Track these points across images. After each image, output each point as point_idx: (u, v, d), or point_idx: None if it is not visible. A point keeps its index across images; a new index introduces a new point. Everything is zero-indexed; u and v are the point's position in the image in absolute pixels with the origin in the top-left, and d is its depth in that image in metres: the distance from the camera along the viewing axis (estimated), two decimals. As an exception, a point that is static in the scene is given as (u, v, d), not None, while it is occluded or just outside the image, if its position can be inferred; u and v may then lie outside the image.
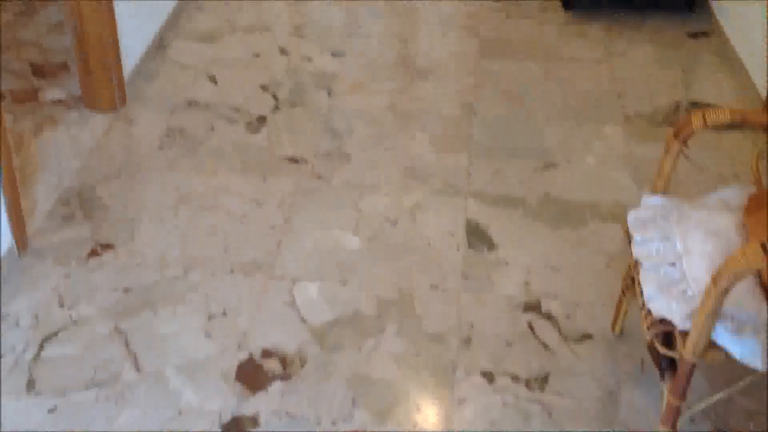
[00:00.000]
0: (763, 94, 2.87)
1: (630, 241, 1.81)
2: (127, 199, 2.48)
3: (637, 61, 3.28)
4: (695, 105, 2.99)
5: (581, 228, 2.41)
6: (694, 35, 3.47)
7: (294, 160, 2.68)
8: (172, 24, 3.42)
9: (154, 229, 2.37)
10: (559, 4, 3.71)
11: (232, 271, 2.23)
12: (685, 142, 1.79)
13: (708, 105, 2.99)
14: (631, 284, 1.94)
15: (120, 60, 2.85)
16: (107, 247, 2.30)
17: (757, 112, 1.76)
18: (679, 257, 1.68)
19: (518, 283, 2.22)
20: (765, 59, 2.87)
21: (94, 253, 2.28)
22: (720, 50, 3.33)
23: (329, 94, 3.05)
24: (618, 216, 2.45)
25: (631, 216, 1.85)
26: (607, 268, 2.27)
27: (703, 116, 1.75)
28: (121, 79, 2.87)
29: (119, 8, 2.85)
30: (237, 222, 2.41)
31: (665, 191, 1.86)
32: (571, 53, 3.34)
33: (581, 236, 2.38)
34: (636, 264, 1.76)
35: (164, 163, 2.64)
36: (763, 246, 1.39)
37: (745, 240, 1.67)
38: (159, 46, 3.28)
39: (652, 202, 1.85)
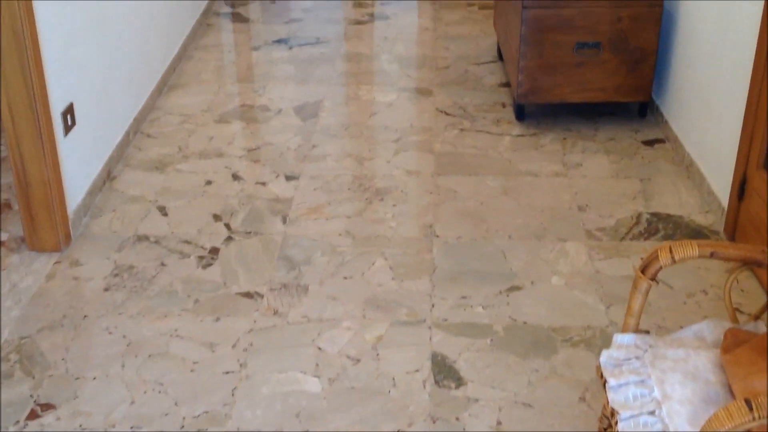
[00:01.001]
0: (724, 202, 2.85)
1: (604, 385, 1.71)
2: (71, 352, 2.33)
3: (594, 173, 3.26)
4: (656, 216, 2.96)
5: (552, 357, 2.31)
6: (650, 143, 3.47)
7: (249, 295, 2.57)
8: (121, 153, 3.34)
9: (99, 385, 2.21)
10: (512, 115, 3.71)
11: (182, 427, 2.08)
12: (653, 279, 1.72)
13: (669, 216, 2.96)
14: (608, 427, 1.83)
15: (64, 199, 2.74)
16: (48, 407, 2.14)
17: (726, 244, 1.70)
18: (657, 404, 1.58)
19: (490, 424, 2.09)
20: (723, 165, 2.86)
21: (33, 415, 2.11)
22: (676, 157, 3.33)
23: (284, 220, 2.96)
24: (589, 341, 2.35)
25: (604, 356, 1.75)
26: (581, 401, 2.16)
27: (671, 252, 1.69)
28: (65, 217, 2.75)
29: (64, 144, 2.76)
30: (188, 371, 2.27)
31: (636, 329, 1.77)
32: (527, 167, 3.31)
33: (553, 366, 2.28)
34: (612, 412, 1.66)
35: (110, 307, 2.51)
36: (747, 402, 1.30)
37: (725, 382, 1.58)
38: (107, 177, 3.18)
39: (624, 341, 1.76)
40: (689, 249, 1.68)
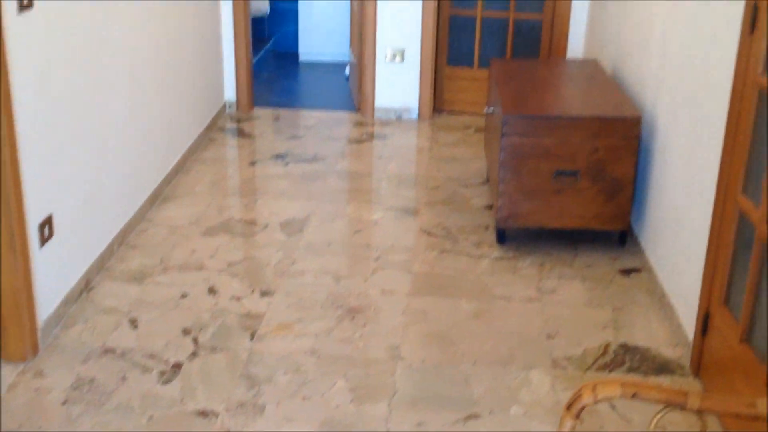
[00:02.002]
0: (690, 337, 2.82)
1: None
2: (17, 464, 2.33)
3: (568, 300, 3.26)
4: (624, 347, 2.93)
5: (500, 491, 2.26)
6: (626, 272, 3.48)
7: (204, 414, 2.56)
8: (102, 264, 3.41)
9: (37, 501, 2.20)
10: (494, 238, 3.75)
11: None
12: (578, 417, 1.70)
13: (637, 347, 2.93)
14: None
15: (34, 310, 2.79)
16: None
17: (651, 386, 1.69)
18: None
19: None
20: (690, 298, 2.85)
21: None
22: (650, 288, 3.33)
23: (253, 337, 2.98)
24: (539, 477, 2.31)
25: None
26: None
27: (594, 391, 1.68)
28: (33, 328, 2.80)
29: (40, 255, 2.83)
30: (130, 490, 2.25)
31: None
32: (502, 291, 3.32)
33: (500, 501, 2.22)
34: None
35: (65, 421, 2.51)
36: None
37: None
38: (85, 288, 3.24)
39: (549, 481, 1.73)
40: (612, 389, 1.67)
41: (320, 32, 6.89)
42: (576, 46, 5.23)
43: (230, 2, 5.30)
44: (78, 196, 3.18)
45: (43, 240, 2.87)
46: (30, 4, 2.70)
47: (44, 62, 2.84)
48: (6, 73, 2.54)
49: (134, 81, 3.76)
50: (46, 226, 2.89)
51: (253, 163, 4.74)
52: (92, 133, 3.30)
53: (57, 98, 2.96)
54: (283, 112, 5.67)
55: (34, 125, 2.78)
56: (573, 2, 5.16)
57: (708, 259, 2.67)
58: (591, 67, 4.33)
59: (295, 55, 7.07)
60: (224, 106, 5.50)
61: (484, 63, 5.46)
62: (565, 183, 3.53)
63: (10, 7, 2.57)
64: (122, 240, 3.63)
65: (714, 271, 2.63)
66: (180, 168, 4.48)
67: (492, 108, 4.02)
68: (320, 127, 5.38)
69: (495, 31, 5.43)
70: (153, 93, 4.03)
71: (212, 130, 5.17)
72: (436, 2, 5.26)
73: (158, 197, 4.12)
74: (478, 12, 5.40)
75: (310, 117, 5.59)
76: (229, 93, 5.52)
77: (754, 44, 2.41)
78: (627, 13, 4.08)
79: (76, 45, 3.12)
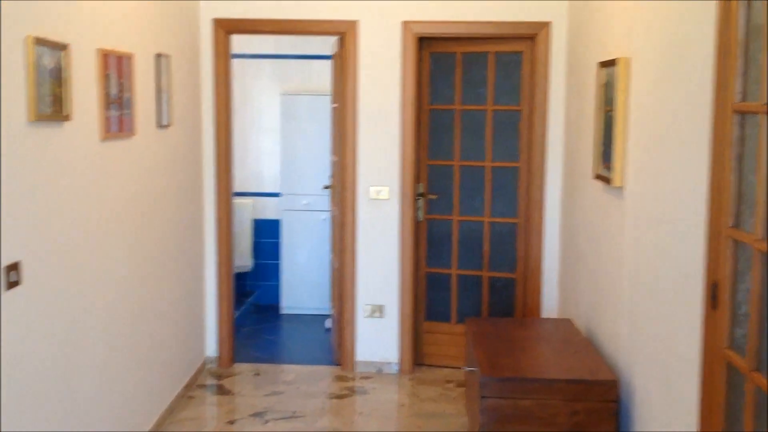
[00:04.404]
0: None
1: None
2: None
3: None
4: None
5: None
6: None
7: None
8: None
9: None
10: (478, 504, 3.66)
11: None
12: None
13: None
14: None
15: None
16: None
17: None
18: None
19: None
20: None
21: None
22: None
23: None
24: None
25: None
26: None
27: None
28: None
29: None
30: None
31: None
32: None
33: None
34: None
35: None
36: None
37: None
38: None
39: None
40: None
41: (302, 286, 7.10)
42: (550, 304, 5.41)
43: (215, 259, 5.51)
44: (53, 467, 3.12)
45: None
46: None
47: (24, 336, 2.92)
48: (-4, 348, 2.60)
49: (112, 348, 3.82)
50: (18, 501, 2.81)
51: (231, 422, 4.69)
52: (62, 401, 3.30)
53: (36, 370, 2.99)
54: (264, 367, 5.69)
55: (17, 402, 2.79)
56: (543, 261, 5.41)
57: None
58: (565, 326, 4.47)
59: (277, 307, 7.22)
60: (203, 363, 5.52)
61: (461, 318, 5.60)
62: (546, 446, 3.52)
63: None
64: None
65: None
66: (157, 428, 4.41)
67: (470, 367, 4.08)
68: (300, 382, 5.38)
69: (470, 287, 5.63)
70: (129, 354, 4.07)
71: (191, 388, 5.16)
72: (413, 262, 5.50)
73: (133, 461, 4.02)
74: (454, 270, 5.63)
75: (291, 371, 5.60)
76: (210, 349, 5.57)
77: (718, 320, 2.55)
78: (596, 276, 4.28)
79: (56, 313, 3.21)
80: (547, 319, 5.13)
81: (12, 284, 2.80)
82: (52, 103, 3.09)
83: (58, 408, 3.17)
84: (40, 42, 2.97)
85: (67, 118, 3.20)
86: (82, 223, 3.40)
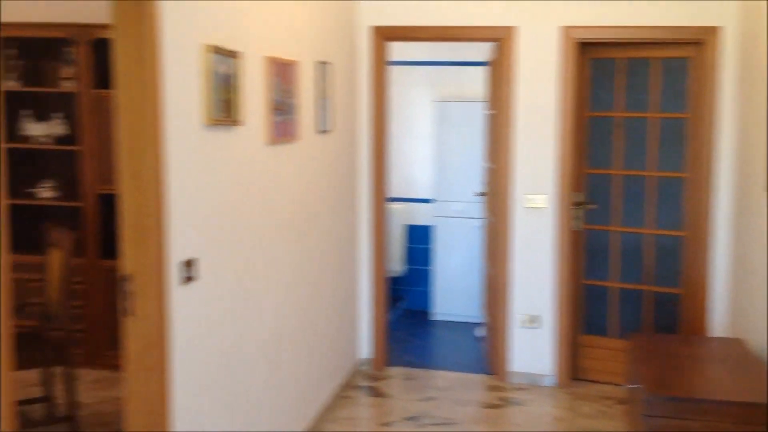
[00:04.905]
0: None
1: None
2: None
3: None
4: None
5: None
6: None
7: None
8: None
9: None
10: None
11: None
12: None
13: None
14: None
15: None
16: None
17: None
18: None
19: None
20: None
21: None
22: None
23: None
24: None
25: None
26: None
27: None
28: None
29: None
30: None
31: None
32: None
33: None
34: None
35: None
36: None
37: None
38: None
39: None
40: None
41: (453, 293, 7.06)
42: (717, 323, 5.10)
43: (369, 263, 5.57)
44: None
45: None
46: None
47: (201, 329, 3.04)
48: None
49: (278, 345, 3.92)
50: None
51: (386, 424, 4.71)
52: (231, 393, 3.41)
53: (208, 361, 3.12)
54: (416, 372, 5.69)
55: (190, 389, 2.91)
56: (710, 277, 5.11)
57: None
58: (736, 346, 4.20)
59: (426, 313, 7.22)
60: (357, 365, 5.59)
61: (620, 333, 5.38)
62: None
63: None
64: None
65: None
66: (313, 430, 4.50)
67: (633, 384, 3.90)
68: (453, 388, 5.34)
69: (629, 300, 5.40)
70: (294, 352, 4.18)
71: (347, 388, 5.24)
72: (570, 273, 5.34)
73: (291, 458, 4.12)
74: (613, 283, 5.42)
75: (443, 378, 5.58)
76: (363, 351, 5.64)
77: None
78: (773, 292, 4.00)
79: (228, 309, 3.33)
80: (716, 337, 4.84)
81: (188, 279, 2.92)
82: (224, 108, 3.21)
83: (227, 399, 3.29)
84: (215, 50, 3.10)
85: (237, 122, 3.32)
86: (252, 224, 3.52)
